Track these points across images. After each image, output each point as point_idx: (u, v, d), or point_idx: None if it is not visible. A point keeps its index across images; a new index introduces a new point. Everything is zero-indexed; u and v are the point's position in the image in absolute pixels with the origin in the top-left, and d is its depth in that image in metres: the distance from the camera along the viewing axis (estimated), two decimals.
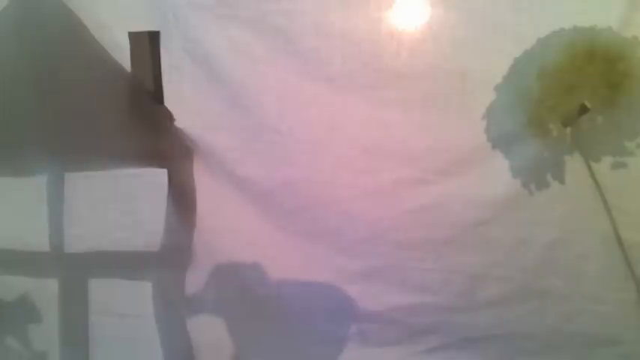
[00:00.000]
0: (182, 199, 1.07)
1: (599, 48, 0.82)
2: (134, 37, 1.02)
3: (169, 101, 1.04)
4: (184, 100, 1.03)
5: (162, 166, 1.05)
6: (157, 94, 1.04)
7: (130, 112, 1.05)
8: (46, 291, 1.10)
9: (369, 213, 1.01)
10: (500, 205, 0.96)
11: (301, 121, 1.01)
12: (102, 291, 1.10)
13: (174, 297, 1.09)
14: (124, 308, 1.09)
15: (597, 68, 0.82)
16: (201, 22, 1.00)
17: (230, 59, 1.00)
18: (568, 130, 0.89)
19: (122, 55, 1.02)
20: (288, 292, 1.07)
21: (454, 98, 0.95)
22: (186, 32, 1.01)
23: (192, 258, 1.08)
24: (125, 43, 1.01)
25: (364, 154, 1.00)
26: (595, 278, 0.95)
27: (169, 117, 1.04)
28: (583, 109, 0.84)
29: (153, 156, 1.05)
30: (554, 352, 0.99)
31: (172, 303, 1.09)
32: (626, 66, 0.82)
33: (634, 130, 0.87)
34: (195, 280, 1.09)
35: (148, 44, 1.02)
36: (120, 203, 1.07)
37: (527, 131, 0.90)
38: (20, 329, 1.13)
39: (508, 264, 0.98)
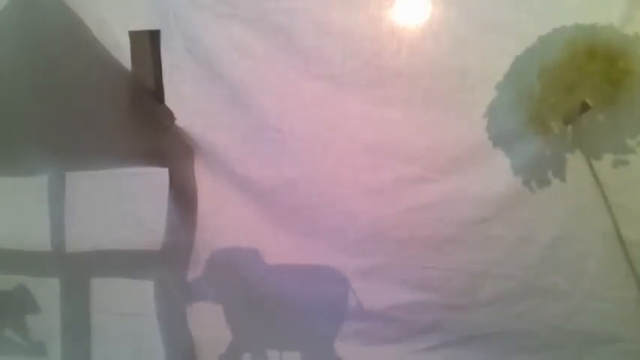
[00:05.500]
0: (183, 198, 1.07)
1: (601, 45, 0.82)
2: (135, 35, 1.01)
3: (170, 100, 1.04)
4: (185, 99, 1.03)
5: (163, 165, 1.05)
6: (157, 93, 1.04)
7: (131, 111, 1.05)
8: (48, 290, 1.10)
9: (370, 211, 1.01)
10: (501, 203, 0.96)
11: (302, 119, 1.01)
12: (103, 290, 1.10)
13: (176, 295, 1.09)
14: (126, 307, 1.09)
15: (598, 66, 0.82)
16: (201, 21, 0.99)
17: (231, 58, 1.00)
18: (569, 127, 0.89)
19: (123, 54, 1.02)
20: (289, 291, 1.08)
21: (455, 96, 0.95)
22: (187, 31, 1.01)
23: (193, 257, 1.08)
24: (126, 42, 1.01)
25: (365, 153, 1.00)
26: (595, 276, 0.95)
27: (170, 116, 1.04)
28: (584, 107, 0.84)
29: (154, 155, 1.05)
30: (555, 350, 1.00)
31: (174, 301, 1.09)
32: (628, 63, 0.82)
33: (635, 128, 0.87)
34: (196, 279, 1.09)
35: (148, 43, 1.02)
36: (121, 202, 1.07)
37: (528, 129, 0.90)
38: (21, 325, 1.13)
39: (509, 262, 0.98)
